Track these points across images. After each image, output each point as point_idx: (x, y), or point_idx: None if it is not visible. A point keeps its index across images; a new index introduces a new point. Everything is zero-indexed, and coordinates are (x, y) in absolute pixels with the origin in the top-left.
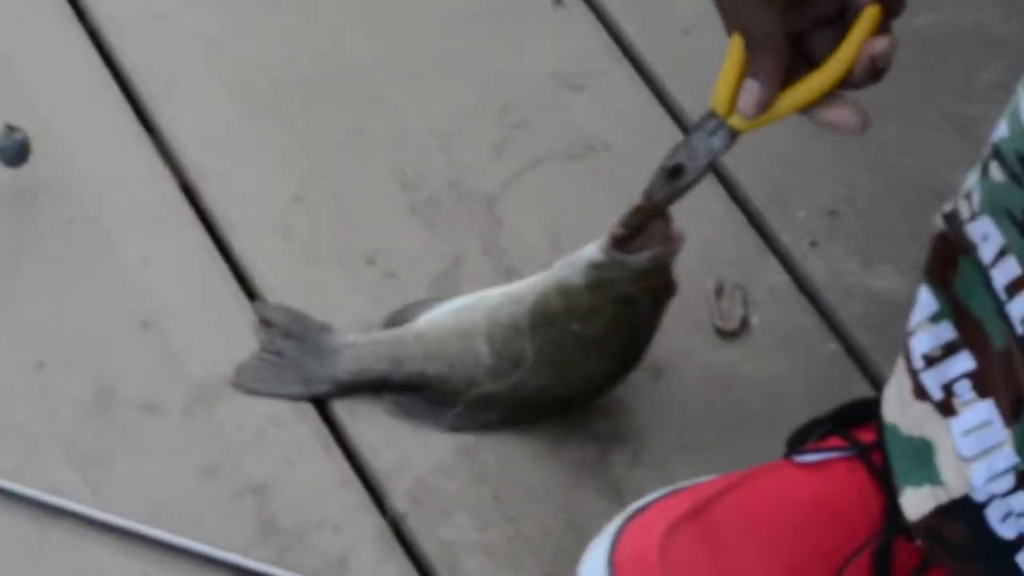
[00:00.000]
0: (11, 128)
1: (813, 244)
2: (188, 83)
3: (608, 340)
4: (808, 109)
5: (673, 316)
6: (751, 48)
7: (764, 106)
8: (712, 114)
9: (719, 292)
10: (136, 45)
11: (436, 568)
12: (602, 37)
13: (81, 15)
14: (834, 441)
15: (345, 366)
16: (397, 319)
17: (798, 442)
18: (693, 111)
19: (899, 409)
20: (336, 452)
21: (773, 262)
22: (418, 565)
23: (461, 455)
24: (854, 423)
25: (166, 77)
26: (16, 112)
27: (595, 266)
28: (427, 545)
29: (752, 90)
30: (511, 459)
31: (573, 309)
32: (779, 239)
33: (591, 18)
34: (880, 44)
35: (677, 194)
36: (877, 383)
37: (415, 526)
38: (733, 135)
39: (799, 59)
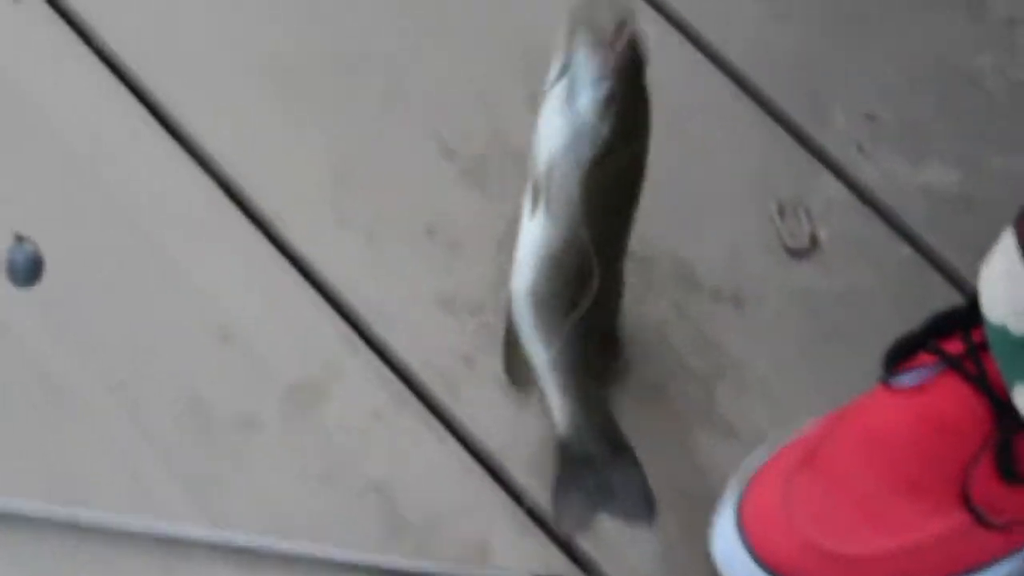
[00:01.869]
0: (20, 239)
1: (860, 149)
2: (209, 81)
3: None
4: None
5: (743, 243)
6: None
7: None
8: None
9: (782, 212)
10: (146, 52)
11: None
12: None
13: (85, 37)
14: (924, 358)
15: None
16: None
17: (891, 362)
18: (706, 30)
19: (1010, 310)
20: (448, 437)
21: (826, 174)
22: (555, 537)
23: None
24: (940, 336)
25: (185, 79)
26: (33, 136)
27: None
28: None
29: None
30: (620, 415)
31: None
32: (826, 150)
33: None
34: None
35: None
36: (952, 278)
37: (543, 499)
38: None
39: None
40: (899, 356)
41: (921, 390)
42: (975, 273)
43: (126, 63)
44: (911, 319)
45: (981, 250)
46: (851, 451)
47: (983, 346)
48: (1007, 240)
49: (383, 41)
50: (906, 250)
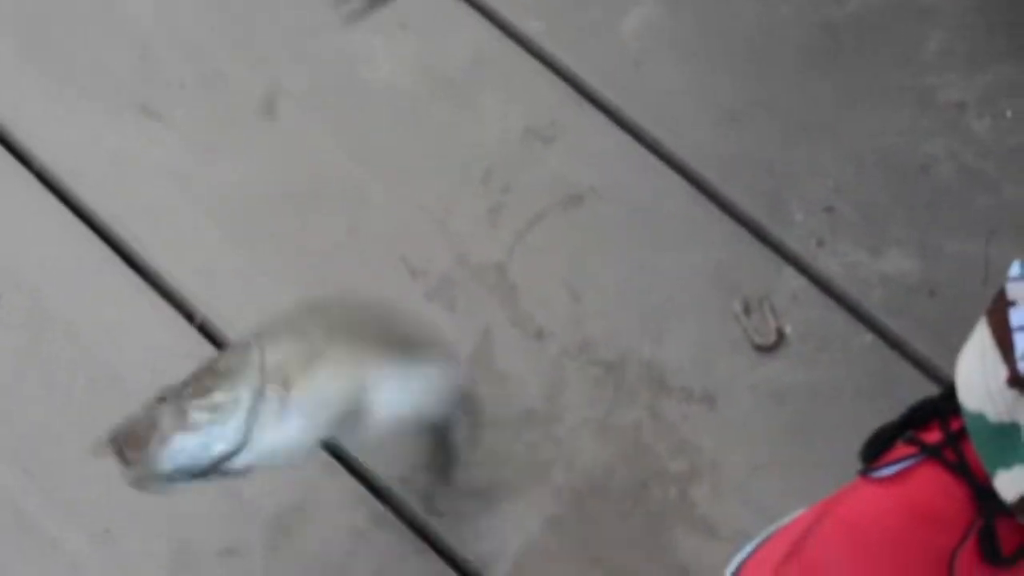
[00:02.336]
0: None
1: (820, 243)
2: (170, 221)
3: None
4: None
5: (710, 342)
6: None
7: None
8: None
9: (747, 310)
10: (107, 191)
11: None
12: (560, 86)
13: (43, 178)
14: (903, 450)
15: None
16: None
17: (870, 454)
18: (660, 134)
19: (986, 397)
20: (429, 552)
21: (788, 269)
22: None
23: (550, 527)
24: (916, 426)
25: (146, 219)
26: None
27: None
28: None
29: None
30: (599, 521)
31: None
32: (787, 245)
33: (545, 71)
34: None
35: None
36: (917, 363)
37: None
38: None
39: None
40: (877, 448)
41: (902, 480)
42: (939, 357)
43: (88, 205)
44: (880, 406)
45: (943, 335)
46: (836, 544)
47: (961, 434)
48: (981, 330)
49: (339, 174)
50: (870, 337)
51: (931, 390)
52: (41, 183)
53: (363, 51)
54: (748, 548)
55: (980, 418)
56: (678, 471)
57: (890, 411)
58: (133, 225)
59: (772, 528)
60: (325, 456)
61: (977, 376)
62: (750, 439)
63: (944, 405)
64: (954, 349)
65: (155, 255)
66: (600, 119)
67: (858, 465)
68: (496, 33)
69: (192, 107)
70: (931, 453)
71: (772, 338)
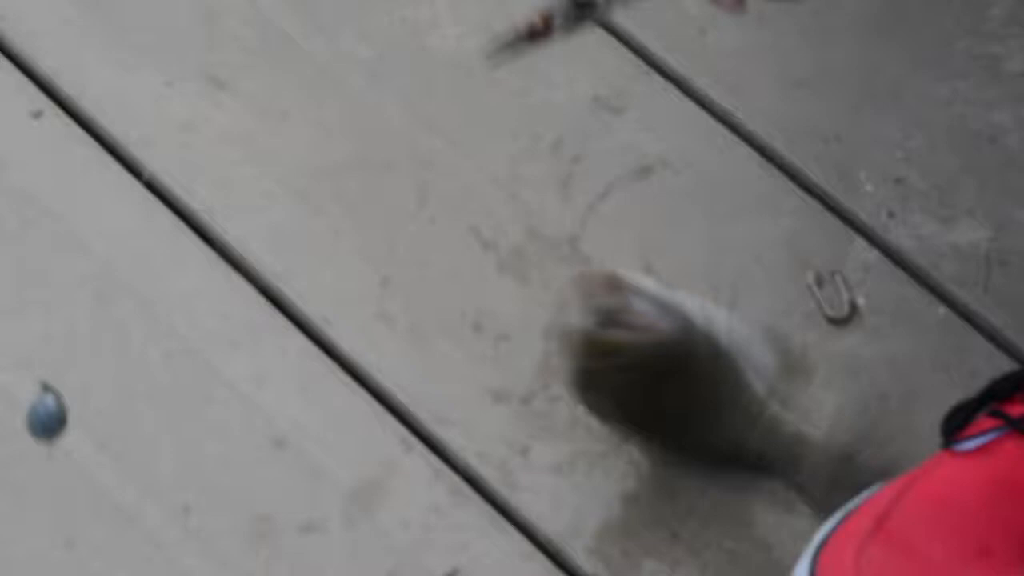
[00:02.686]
0: (47, 388)
1: (891, 215)
2: (238, 189)
3: None
4: None
5: (785, 315)
6: None
7: None
8: None
9: (820, 282)
10: (175, 161)
11: None
12: (627, 56)
13: (111, 148)
14: (986, 423)
15: None
16: None
17: (951, 427)
18: (728, 103)
19: None
20: (508, 527)
21: (860, 241)
22: None
23: (629, 503)
24: (999, 400)
25: (215, 188)
26: (73, 253)
27: None
28: None
29: None
30: (676, 495)
31: None
32: (858, 217)
33: (611, 40)
34: None
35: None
36: (992, 336)
37: None
38: None
39: None
40: (958, 421)
41: (985, 453)
42: (1012, 328)
43: (158, 175)
44: (953, 379)
45: (1017, 306)
46: (921, 519)
47: None
48: None
49: (408, 142)
50: (942, 309)
51: (1005, 362)
52: (108, 153)
53: (429, 18)
54: (831, 522)
55: None
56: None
57: (963, 384)
58: (203, 194)
59: (854, 502)
60: (403, 431)
61: None
62: (826, 413)
63: None
64: None
65: (225, 225)
66: (668, 88)
67: (935, 438)
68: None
69: (259, 75)
70: (1016, 426)
71: (845, 311)
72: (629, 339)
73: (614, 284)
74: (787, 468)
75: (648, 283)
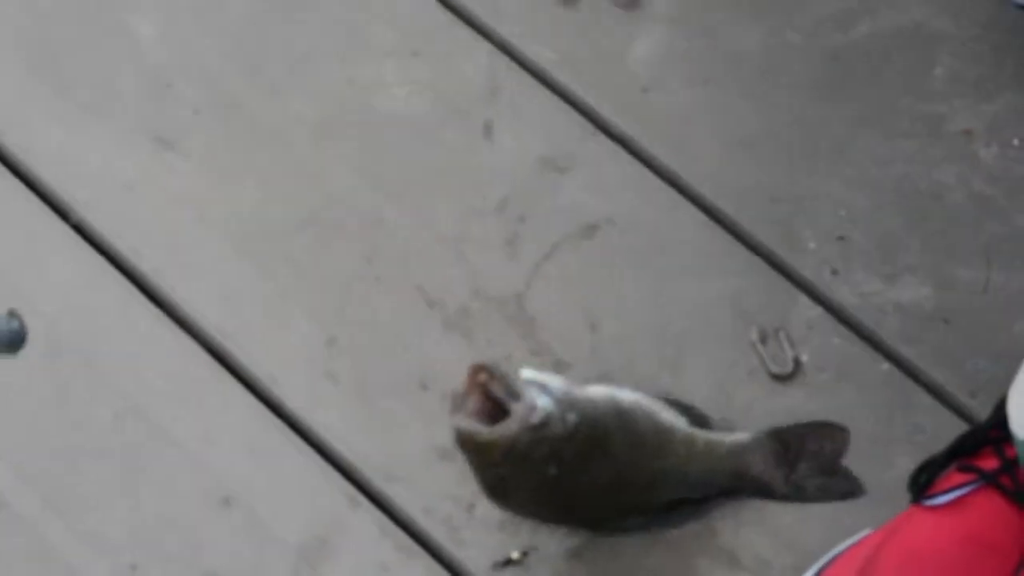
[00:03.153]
0: (12, 315)
1: (834, 272)
2: (186, 249)
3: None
4: None
5: (729, 372)
6: None
7: None
8: None
9: (764, 339)
10: (123, 222)
11: None
12: (573, 116)
13: (57, 208)
14: (956, 477)
15: None
16: None
17: (919, 485)
18: (673, 163)
19: None
20: None
21: (803, 298)
22: None
23: (573, 561)
24: (967, 455)
25: (162, 248)
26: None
27: None
28: None
29: None
30: (621, 553)
31: None
32: (801, 275)
33: (557, 101)
34: None
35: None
36: (935, 392)
37: None
38: None
39: None
40: (927, 477)
41: (958, 508)
42: (955, 385)
43: (105, 237)
44: (897, 434)
45: (959, 362)
46: (898, 572)
47: (1016, 462)
48: None
49: (356, 202)
50: (886, 365)
51: (948, 417)
52: (55, 213)
53: (376, 78)
54: None
55: None
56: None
57: (907, 440)
58: (150, 255)
59: (824, 560)
60: (348, 488)
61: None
62: None
63: (995, 433)
64: (968, 376)
65: (173, 285)
66: (614, 149)
67: (879, 491)
68: (509, 63)
69: (207, 135)
70: (989, 479)
71: (789, 367)
72: (515, 431)
73: (483, 380)
74: (740, 480)
75: (525, 373)
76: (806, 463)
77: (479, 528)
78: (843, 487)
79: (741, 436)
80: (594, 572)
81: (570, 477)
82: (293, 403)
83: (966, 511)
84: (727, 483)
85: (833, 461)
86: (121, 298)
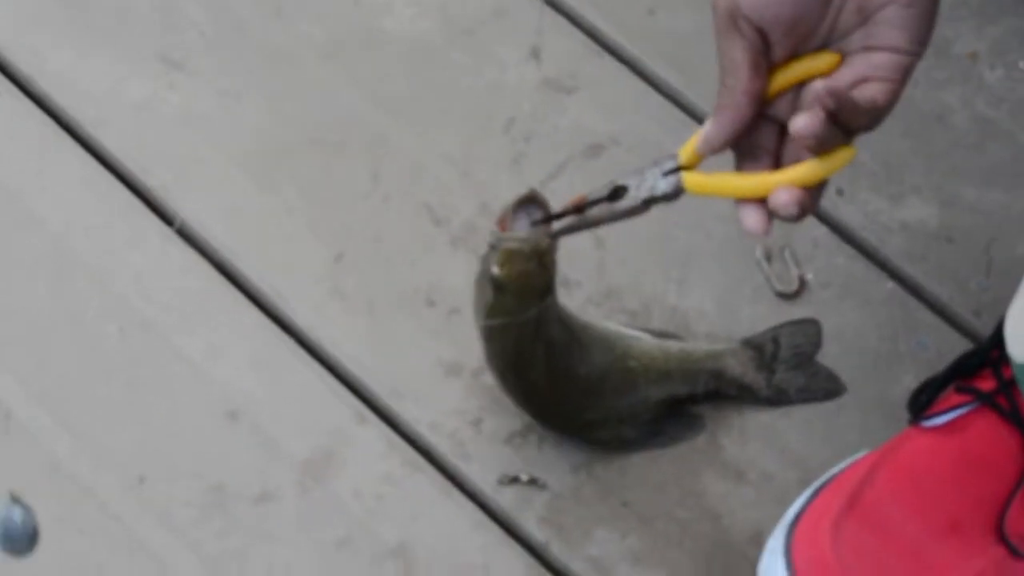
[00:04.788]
0: (15, 500)
1: (839, 192)
2: (194, 168)
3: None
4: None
5: (734, 290)
6: (720, 84)
7: (710, 143)
8: (674, 156)
9: (769, 257)
10: (131, 140)
11: None
12: (578, 37)
13: (68, 127)
14: (954, 399)
15: None
16: None
17: (918, 405)
18: (678, 83)
19: None
20: (461, 498)
21: (809, 218)
22: None
23: (579, 473)
24: (966, 376)
25: (170, 167)
26: (29, 230)
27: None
28: (576, 565)
29: (704, 125)
30: (627, 466)
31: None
32: None
33: (562, 21)
34: (780, 197)
35: (609, 216)
36: (939, 310)
37: (559, 551)
38: (680, 187)
39: (771, 153)
40: (926, 398)
41: (955, 428)
42: (958, 303)
43: (115, 157)
44: (900, 351)
45: (962, 281)
46: (894, 495)
47: (1013, 382)
48: None
49: (363, 121)
50: (890, 284)
51: (951, 334)
52: (64, 131)
53: (383, 0)
54: (801, 499)
55: None
56: (706, 415)
57: (911, 356)
58: (159, 173)
59: (821, 480)
60: (355, 402)
61: (1021, 324)
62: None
63: (995, 354)
64: (972, 294)
65: (181, 202)
66: (619, 69)
67: (883, 408)
68: None
69: (214, 57)
70: (985, 400)
71: (794, 286)
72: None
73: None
74: (720, 380)
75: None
76: (784, 363)
77: (485, 443)
78: (824, 386)
79: (716, 344)
80: (600, 487)
81: (555, 365)
82: (300, 319)
83: (963, 431)
84: (708, 383)
85: (810, 356)
86: (129, 215)
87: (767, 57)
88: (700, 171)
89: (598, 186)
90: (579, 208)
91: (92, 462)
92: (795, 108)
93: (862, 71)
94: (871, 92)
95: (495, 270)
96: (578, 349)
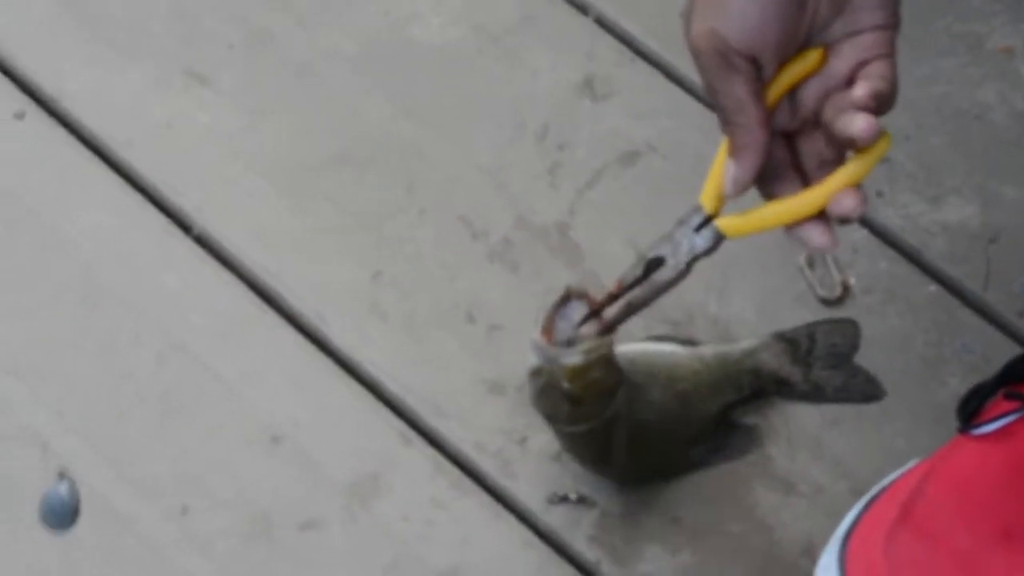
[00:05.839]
0: (62, 476)
1: (879, 194)
2: (225, 186)
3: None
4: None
5: (776, 297)
6: (726, 124)
7: (741, 184)
8: (699, 209)
9: (811, 264)
10: (159, 159)
11: None
12: (610, 43)
13: (95, 148)
14: (1003, 405)
15: None
16: None
17: (968, 411)
18: None
19: None
20: (509, 517)
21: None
22: None
23: (628, 490)
24: (1015, 382)
25: (201, 186)
26: (59, 254)
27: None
28: None
29: (728, 168)
30: (676, 482)
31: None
32: None
33: (595, 27)
34: (846, 203)
35: (654, 292)
36: (983, 312)
37: (610, 570)
38: (719, 236)
39: (789, 165)
40: (974, 405)
41: (1005, 436)
42: (1004, 304)
43: (145, 178)
44: (946, 355)
45: (1007, 281)
46: (945, 505)
47: None
48: None
49: (393, 134)
50: (933, 287)
51: (997, 336)
52: (92, 152)
53: (411, 9)
54: (853, 512)
55: None
56: (754, 429)
57: (957, 360)
58: (188, 192)
59: (873, 491)
60: (399, 424)
61: None
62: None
63: None
64: (1016, 296)
65: (212, 221)
66: (653, 74)
67: (931, 414)
68: None
69: (239, 69)
70: None
71: (837, 291)
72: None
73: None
74: (759, 378)
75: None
76: (821, 360)
77: (532, 462)
78: (863, 389)
79: (749, 341)
80: (650, 503)
81: (632, 434)
82: (340, 339)
83: (1012, 439)
84: (749, 384)
85: (847, 356)
86: (160, 237)
87: (762, 81)
88: (732, 213)
89: (629, 267)
90: (615, 295)
91: (134, 495)
92: (794, 114)
93: (857, 55)
94: (881, 70)
95: (567, 386)
96: (641, 397)
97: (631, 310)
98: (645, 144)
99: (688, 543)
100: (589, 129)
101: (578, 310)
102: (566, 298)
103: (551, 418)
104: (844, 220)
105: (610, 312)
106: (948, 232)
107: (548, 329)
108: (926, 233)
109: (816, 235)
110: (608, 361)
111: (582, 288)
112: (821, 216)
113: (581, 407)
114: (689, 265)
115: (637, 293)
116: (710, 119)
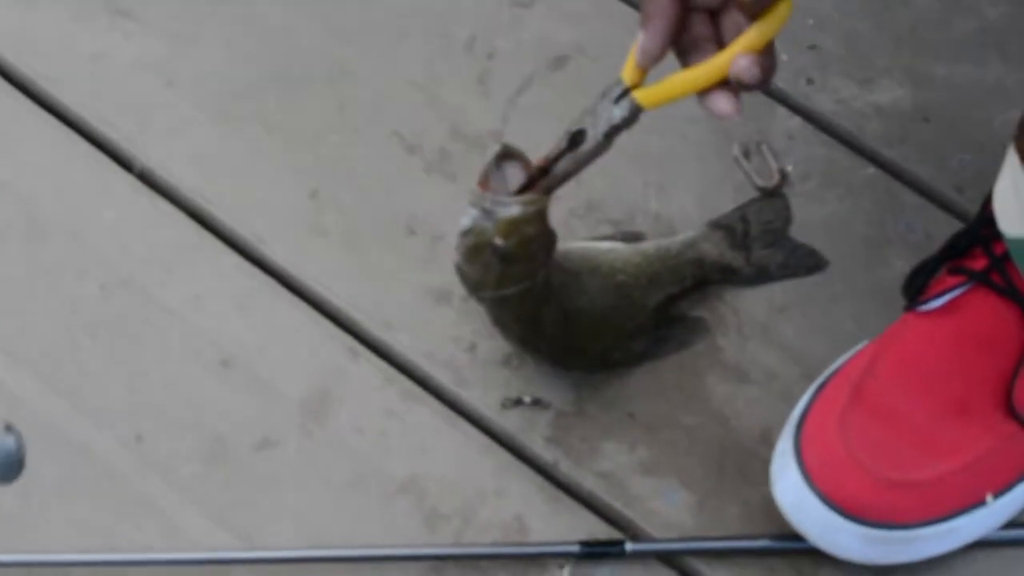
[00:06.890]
0: (8, 429)
1: (810, 81)
2: (158, 114)
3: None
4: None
5: (715, 189)
6: None
7: (649, 54)
8: (619, 82)
9: (747, 154)
10: (89, 93)
11: (606, 501)
12: None
13: (22, 86)
14: (948, 280)
15: None
16: None
17: (913, 289)
18: None
19: (1021, 219)
20: (465, 425)
21: (781, 109)
22: (588, 504)
23: (581, 389)
24: (958, 256)
25: (133, 115)
26: None
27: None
28: (587, 481)
29: (639, 38)
30: (628, 377)
31: None
32: (776, 87)
33: None
34: (740, 63)
35: (578, 162)
36: (921, 188)
37: (569, 469)
38: (636, 107)
39: (711, 40)
40: (920, 282)
41: (952, 310)
42: (941, 181)
43: (75, 112)
44: (889, 235)
45: (943, 158)
46: (897, 382)
47: (1006, 257)
48: (1010, 157)
49: (322, 53)
50: (871, 169)
51: (937, 213)
52: (19, 90)
53: None
54: (806, 397)
55: (1022, 242)
56: (698, 319)
57: (900, 240)
58: (121, 124)
59: (825, 375)
60: (347, 339)
61: (1012, 203)
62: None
63: (984, 232)
64: (953, 172)
65: (147, 151)
66: None
67: (877, 295)
68: None
69: (164, 1)
70: (979, 279)
71: (775, 179)
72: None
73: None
74: (702, 267)
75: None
76: (759, 240)
77: (482, 368)
78: (806, 261)
79: (687, 233)
80: (603, 400)
81: (566, 310)
82: (282, 260)
83: (960, 312)
84: (692, 275)
85: (782, 231)
86: (96, 171)
87: None
88: (648, 85)
89: (555, 141)
90: (545, 168)
91: (89, 425)
92: None
93: None
94: None
95: (500, 242)
96: (575, 284)
97: (555, 181)
98: (573, 47)
99: (644, 438)
100: (516, 36)
101: (514, 176)
102: (502, 156)
103: (478, 284)
104: (744, 85)
105: (543, 182)
106: (881, 114)
107: (485, 183)
108: (860, 116)
109: (721, 102)
110: (543, 218)
111: (518, 148)
112: (728, 85)
113: (512, 266)
114: (608, 136)
115: (561, 165)
116: (635, 18)
